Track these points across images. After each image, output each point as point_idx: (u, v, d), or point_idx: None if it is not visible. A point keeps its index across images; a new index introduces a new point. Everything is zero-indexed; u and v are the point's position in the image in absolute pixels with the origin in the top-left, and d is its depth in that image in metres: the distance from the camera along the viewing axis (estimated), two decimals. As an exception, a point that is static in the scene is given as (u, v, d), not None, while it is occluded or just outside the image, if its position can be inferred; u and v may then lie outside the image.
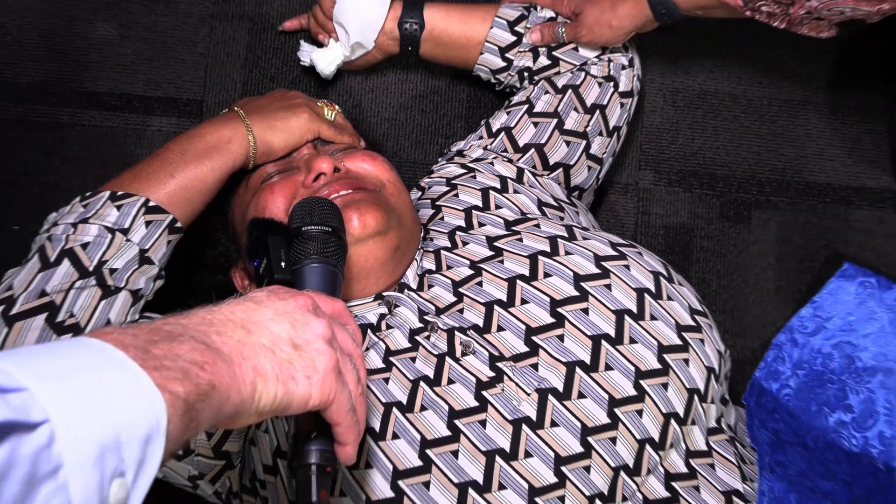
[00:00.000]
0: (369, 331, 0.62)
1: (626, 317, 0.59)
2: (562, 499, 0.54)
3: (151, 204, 0.62)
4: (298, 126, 0.68)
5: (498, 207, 0.69)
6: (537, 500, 0.54)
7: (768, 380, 0.87)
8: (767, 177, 0.88)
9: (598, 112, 0.76)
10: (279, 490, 0.59)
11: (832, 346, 0.86)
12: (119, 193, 0.62)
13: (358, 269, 0.62)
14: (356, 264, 0.61)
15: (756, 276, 0.87)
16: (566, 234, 0.64)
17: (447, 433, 0.55)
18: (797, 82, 0.89)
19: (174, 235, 0.63)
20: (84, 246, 0.60)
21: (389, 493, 0.54)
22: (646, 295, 0.60)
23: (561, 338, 0.57)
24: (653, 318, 0.60)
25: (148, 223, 0.61)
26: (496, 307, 0.60)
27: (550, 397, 0.56)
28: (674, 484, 0.58)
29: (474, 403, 0.56)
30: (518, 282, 0.61)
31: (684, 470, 0.58)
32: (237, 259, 0.69)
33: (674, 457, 0.59)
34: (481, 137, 0.76)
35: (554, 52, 0.77)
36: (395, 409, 0.56)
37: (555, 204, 0.71)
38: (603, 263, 0.61)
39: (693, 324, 0.61)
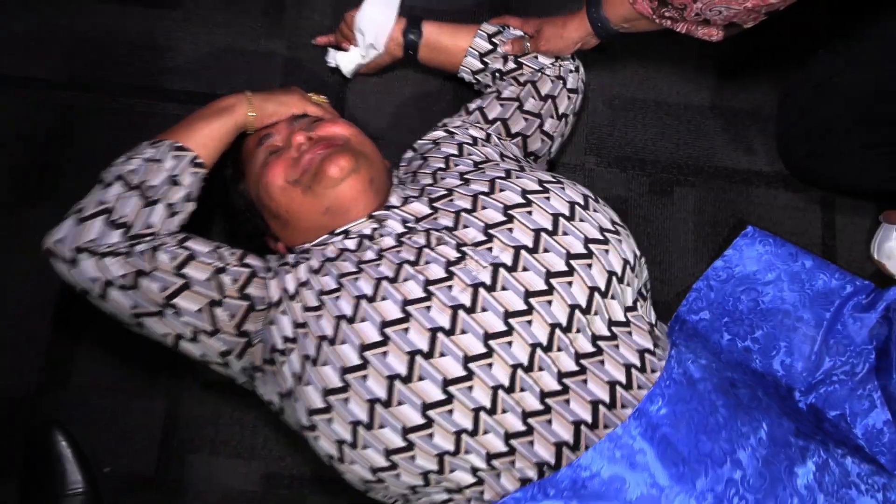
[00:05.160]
0: (365, 240, 0.83)
1: (542, 233, 0.80)
2: (510, 343, 0.75)
3: (177, 145, 0.86)
4: (289, 100, 0.94)
5: (469, 155, 0.93)
6: (490, 343, 0.74)
7: (689, 314, 1.08)
8: (685, 162, 1.13)
9: (550, 100, 1.02)
10: (286, 367, 0.78)
11: (741, 291, 1.08)
12: (155, 140, 0.87)
13: (348, 200, 0.83)
14: (345, 196, 0.83)
15: (678, 237, 1.11)
16: (517, 169, 0.87)
17: (423, 294, 0.76)
18: (704, 91, 1.16)
19: (197, 168, 0.87)
20: (130, 172, 0.84)
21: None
22: (560, 218, 0.81)
23: (511, 230, 0.80)
24: (564, 233, 0.80)
25: (175, 157, 0.86)
26: (462, 213, 0.82)
27: (501, 269, 0.77)
28: (599, 343, 0.79)
29: (444, 275, 0.77)
30: (480, 196, 0.83)
31: (606, 333, 0.79)
32: (265, 227, 0.92)
33: (598, 324, 0.79)
34: (461, 115, 1.02)
35: (519, 59, 1.03)
36: (384, 282, 0.77)
37: (512, 158, 0.95)
38: (527, 195, 0.83)
39: (601, 237, 0.81)
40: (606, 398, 0.75)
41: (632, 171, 1.12)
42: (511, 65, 1.04)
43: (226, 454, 1.01)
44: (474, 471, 0.75)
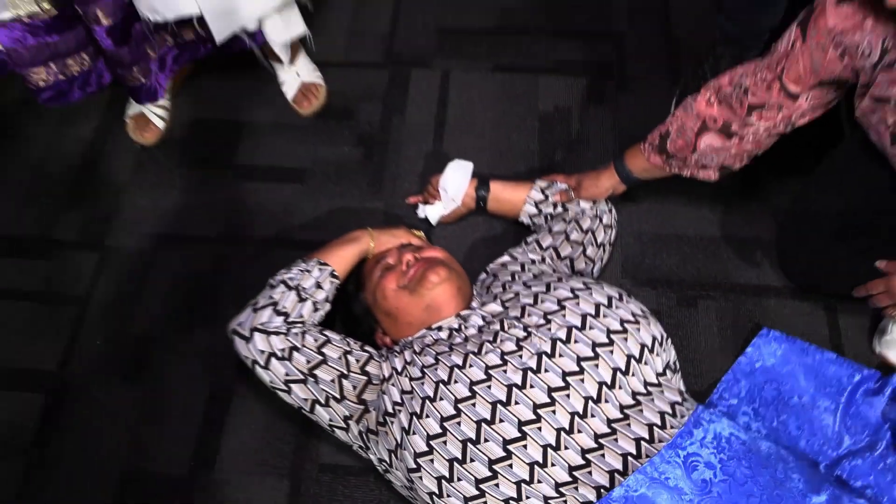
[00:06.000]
0: (454, 331, 1.11)
1: (588, 316, 1.06)
2: (568, 395, 0.98)
3: (322, 261, 1.20)
4: (398, 234, 1.29)
5: (529, 271, 1.23)
6: (553, 395, 0.98)
7: (719, 401, 1.27)
8: (706, 281, 1.39)
9: (590, 233, 1.32)
10: (395, 425, 1.03)
11: (763, 382, 1.28)
12: (306, 258, 1.21)
13: (442, 301, 1.13)
14: (440, 298, 1.13)
15: (705, 340, 1.33)
16: (566, 277, 1.15)
17: (500, 362, 1.01)
18: (715, 225, 1.44)
19: (334, 279, 1.19)
20: (289, 278, 1.17)
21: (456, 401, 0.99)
22: (600, 307, 1.07)
23: (564, 315, 1.06)
24: (604, 315, 1.06)
25: (320, 269, 1.19)
26: (527, 307, 1.09)
27: (558, 342, 1.02)
28: (638, 396, 1.00)
29: (515, 348, 1.03)
30: (539, 294, 1.11)
31: (643, 390, 1.01)
32: (376, 326, 1.22)
33: (635, 382, 1.01)
34: (521, 245, 1.32)
35: (565, 205, 1.36)
36: (470, 355, 1.03)
37: (562, 275, 1.24)
38: (575, 291, 1.10)
39: (620, 329, 1.04)
40: (646, 436, 0.96)
41: (661, 289, 1.39)
42: (559, 209, 1.36)
43: (338, 524, 1.21)
44: (546, 499, 0.95)
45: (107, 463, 1.28)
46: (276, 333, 1.11)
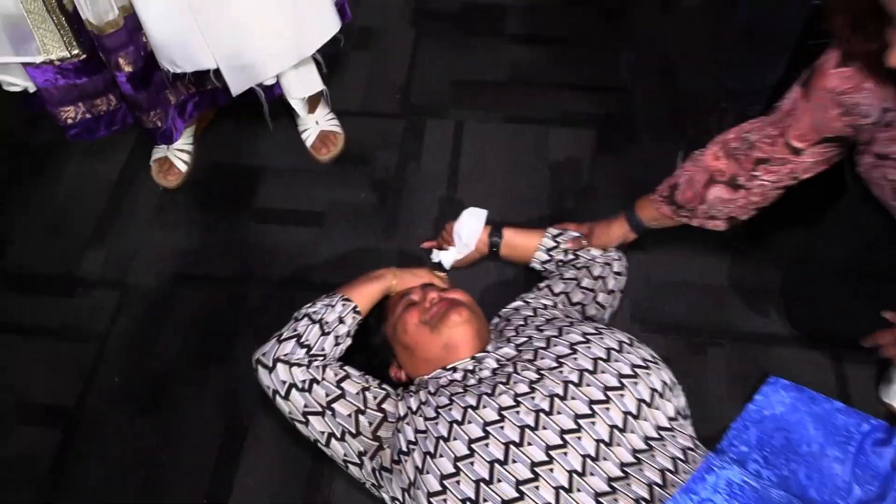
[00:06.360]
0: (468, 373, 1.13)
1: (599, 361, 1.08)
2: (579, 438, 1.00)
3: (345, 297, 1.23)
4: (420, 273, 1.33)
5: (541, 315, 1.25)
6: (565, 437, 0.99)
7: (729, 448, 1.28)
8: (713, 328, 1.42)
9: (601, 280, 1.35)
10: (409, 464, 1.04)
11: (772, 429, 1.29)
12: (331, 294, 1.24)
13: (460, 340, 1.16)
14: (459, 337, 1.16)
15: (714, 387, 1.35)
16: (578, 321, 1.18)
17: (513, 403, 1.03)
18: (722, 274, 1.48)
19: (356, 314, 1.23)
20: (314, 312, 1.20)
21: (465, 451, 1.00)
22: (612, 351, 1.10)
23: (576, 358, 1.08)
24: (615, 360, 1.08)
25: (343, 304, 1.22)
26: (539, 350, 1.12)
27: (570, 385, 1.04)
28: (650, 441, 1.02)
29: (528, 390, 1.05)
30: (551, 338, 1.14)
31: (655, 435, 1.03)
32: (392, 359, 1.25)
33: (647, 427, 1.03)
34: (533, 291, 1.35)
35: (577, 252, 1.39)
36: (484, 396, 1.06)
37: (573, 319, 1.26)
38: (586, 336, 1.13)
39: (631, 373, 1.06)
40: (659, 480, 0.97)
41: (670, 335, 1.41)
42: (571, 256, 1.39)
43: (348, 565, 1.22)
44: None
45: (121, 498, 1.29)
46: (298, 365, 1.14)
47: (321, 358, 1.16)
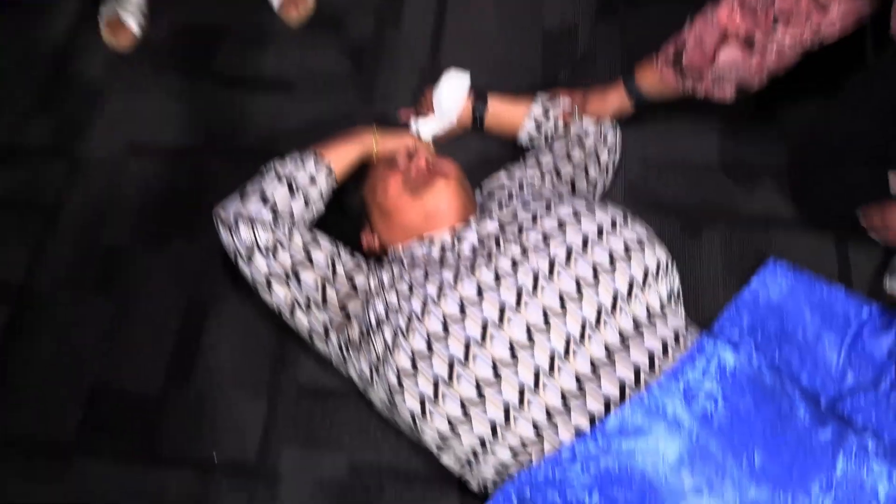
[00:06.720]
0: (446, 247, 1.04)
1: (590, 238, 0.98)
2: (565, 320, 0.91)
3: (319, 156, 1.12)
4: (405, 138, 1.21)
5: (528, 189, 1.15)
6: (549, 317, 0.91)
7: (720, 333, 1.22)
8: (711, 209, 1.32)
9: (593, 153, 1.24)
10: (378, 341, 0.96)
11: (767, 316, 1.22)
12: (303, 150, 1.13)
13: (442, 209, 1.05)
14: (441, 206, 1.05)
15: (708, 271, 1.27)
16: (567, 196, 1.08)
17: (494, 280, 0.95)
18: (724, 152, 1.36)
19: (330, 176, 1.12)
20: (282, 168, 1.10)
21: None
22: (603, 229, 1.00)
23: (564, 235, 0.99)
24: (606, 237, 0.98)
25: (316, 164, 1.11)
26: (524, 226, 1.02)
27: (556, 264, 0.95)
28: (639, 321, 0.94)
29: (510, 268, 0.96)
30: (538, 213, 1.03)
31: (644, 317, 0.95)
32: (366, 224, 1.14)
33: (638, 307, 0.95)
34: (519, 163, 1.24)
35: (568, 123, 1.27)
36: (463, 271, 0.96)
37: (562, 194, 1.16)
38: (576, 211, 1.02)
39: (623, 252, 0.97)
40: (646, 363, 0.90)
41: (664, 216, 1.31)
42: (561, 127, 1.27)
43: (316, 446, 1.16)
44: (535, 425, 0.89)
45: (75, 378, 1.22)
46: (262, 226, 1.05)
47: (288, 220, 1.07)
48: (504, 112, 1.30)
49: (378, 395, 1.00)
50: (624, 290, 0.95)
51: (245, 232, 1.05)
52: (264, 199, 1.07)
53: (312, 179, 1.11)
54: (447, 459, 1.00)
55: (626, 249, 0.98)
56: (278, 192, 1.08)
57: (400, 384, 0.93)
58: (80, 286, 1.30)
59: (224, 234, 1.07)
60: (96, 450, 1.18)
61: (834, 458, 0.88)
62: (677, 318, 0.98)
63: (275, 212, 1.06)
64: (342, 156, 1.15)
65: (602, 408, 0.88)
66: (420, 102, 1.35)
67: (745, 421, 0.88)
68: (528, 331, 0.91)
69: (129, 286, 1.29)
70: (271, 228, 1.05)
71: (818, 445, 0.89)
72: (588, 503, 0.87)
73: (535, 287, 0.93)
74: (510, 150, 1.37)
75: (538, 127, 1.28)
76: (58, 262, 1.32)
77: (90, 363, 1.23)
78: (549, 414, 0.89)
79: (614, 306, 0.94)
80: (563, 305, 0.92)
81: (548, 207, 1.04)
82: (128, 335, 1.25)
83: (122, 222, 1.35)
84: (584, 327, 0.92)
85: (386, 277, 1.00)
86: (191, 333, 1.24)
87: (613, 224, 1.01)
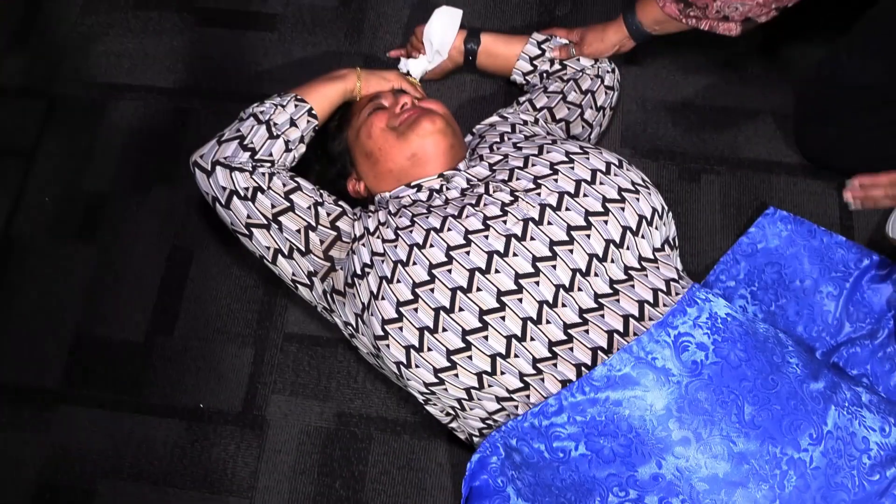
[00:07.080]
0: (434, 192, 1.00)
1: (583, 183, 0.95)
2: (554, 267, 0.88)
3: (299, 97, 1.07)
4: (390, 77, 1.16)
5: (520, 132, 1.10)
6: (538, 265, 0.88)
7: (716, 282, 1.19)
8: (711, 154, 1.27)
9: (589, 94, 1.18)
10: (363, 288, 0.93)
11: (764, 264, 1.19)
12: (282, 92, 1.08)
13: (430, 153, 1.01)
14: (429, 149, 1.01)
15: (706, 218, 1.23)
16: (561, 139, 1.03)
17: (482, 226, 0.91)
18: (727, 94, 1.30)
19: (311, 118, 1.07)
20: (261, 111, 1.05)
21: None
22: (597, 173, 0.96)
23: (556, 180, 0.95)
24: (601, 183, 0.95)
25: (296, 105, 1.06)
26: (515, 170, 0.98)
27: (547, 209, 0.92)
28: (630, 271, 0.91)
29: (500, 213, 0.92)
30: (530, 157, 0.99)
31: (636, 265, 0.92)
32: (351, 169, 1.10)
33: (629, 256, 0.92)
34: (512, 105, 1.19)
35: (564, 62, 1.21)
36: (450, 218, 0.93)
37: (556, 137, 1.11)
38: (570, 155, 0.99)
39: (617, 198, 0.93)
40: (636, 313, 0.88)
41: (662, 160, 1.27)
42: (557, 66, 1.21)
43: (304, 395, 1.15)
44: (522, 375, 0.88)
45: (56, 326, 1.20)
46: (241, 170, 1.00)
47: (268, 164, 1.02)
48: (497, 50, 1.24)
49: (364, 343, 0.98)
50: (617, 237, 0.91)
51: (223, 177, 1.00)
52: (242, 143, 1.03)
53: (293, 122, 1.06)
54: (434, 409, 0.99)
55: (621, 196, 0.94)
56: (257, 135, 1.04)
57: (385, 333, 0.91)
58: (61, 233, 1.26)
59: (201, 180, 1.03)
60: (82, 398, 1.17)
61: (825, 410, 0.86)
62: (670, 267, 0.94)
63: (253, 155, 1.02)
64: (324, 97, 1.10)
65: (590, 358, 0.86)
66: (410, 42, 1.29)
67: (735, 372, 0.86)
68: (517, 279, 0.88)
69: (111, 233, 1.26)
70: (249, 172, 1.01)
71: (810, 397, 0.87)
72: (574, 453, 0.86)
73: (524, 234, 0.90)
74: (503, 94, 1.32)
75: (532, 65, 1.22)
76: (37, 208, 1.29)
77: (73, 311, 1.21)
78: (535, 364, 0.87)
79: (606, 254, 0.90)
80: (553, 253, 0.89)
81: (540, 151, 1.00)
82: (111, 283, 1.23)
83: (103, 167, 1.31)
84: (574, 276, 0.88)
85: (371, 224, 0.97)
86: (175, 280, 1.22)
87: (608, 169, 0.97)
